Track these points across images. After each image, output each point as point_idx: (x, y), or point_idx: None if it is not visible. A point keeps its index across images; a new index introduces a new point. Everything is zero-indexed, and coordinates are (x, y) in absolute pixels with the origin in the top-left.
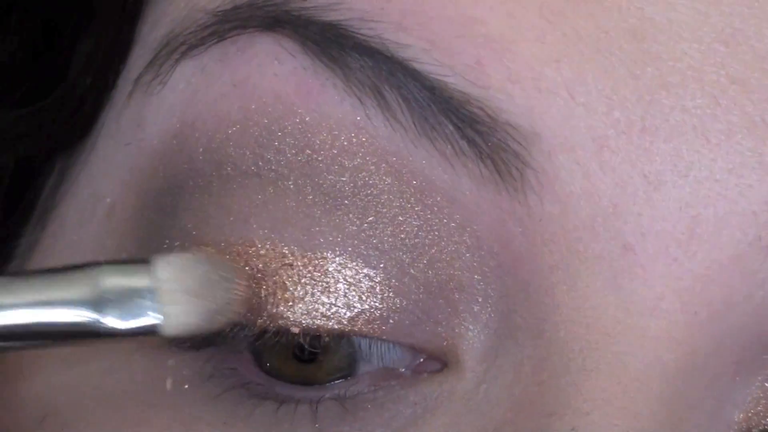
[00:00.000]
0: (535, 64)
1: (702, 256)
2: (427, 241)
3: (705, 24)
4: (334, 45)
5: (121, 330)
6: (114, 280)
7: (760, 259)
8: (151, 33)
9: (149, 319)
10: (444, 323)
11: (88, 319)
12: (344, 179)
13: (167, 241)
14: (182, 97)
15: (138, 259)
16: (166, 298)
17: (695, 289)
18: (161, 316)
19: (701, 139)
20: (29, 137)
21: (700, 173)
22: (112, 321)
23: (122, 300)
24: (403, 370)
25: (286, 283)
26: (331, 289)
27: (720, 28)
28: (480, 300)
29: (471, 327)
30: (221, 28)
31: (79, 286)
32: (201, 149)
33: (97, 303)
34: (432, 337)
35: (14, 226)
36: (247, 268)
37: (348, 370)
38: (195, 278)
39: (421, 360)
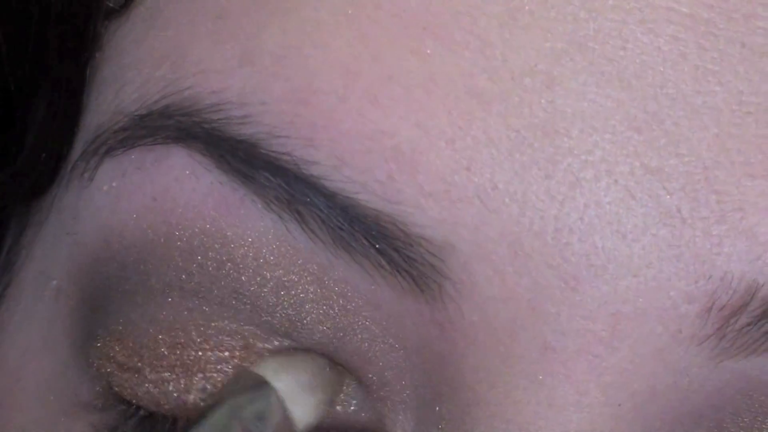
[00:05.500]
0: (446, 174)
1: (624, 351)
2: (352, 344)
3: (617, 111)
4: (245, 163)
5: None
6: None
7: (682, 350)
8: (87, 124)
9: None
10: (374, 411)
11: None
12: (266, 290)
13: (97, 339)
14: (106, 201)
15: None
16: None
17: (618, 382)
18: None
19: (617, 236)
20: None
21: (617, 270)
22: None
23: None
24: None
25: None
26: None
27: (633, 114)
28: (408, 392)
29: (401, 416)
30: (135, 134)
31: None
32: (130, 258)
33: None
34: (362, 427)
35: None
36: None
37: None
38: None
39: None
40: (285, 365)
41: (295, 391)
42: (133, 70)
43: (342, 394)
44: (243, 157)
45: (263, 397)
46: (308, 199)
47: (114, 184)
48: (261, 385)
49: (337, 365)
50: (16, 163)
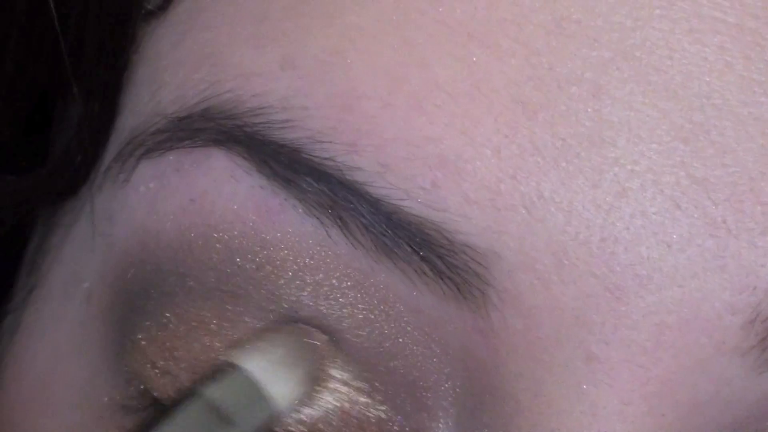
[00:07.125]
0: (491, 182)
1: (668, 362)
2: (393, 348)
3: (663, 121)
4: (288, 167)
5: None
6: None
7: (725, 361)
8: (121, 125)
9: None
10: (414, 418)
11: None
12: (305, 294)
13: (132, 341)
14: (143, 202)
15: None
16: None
17: (662, 393)
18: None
19: (662, 246)
20: (27, 199)
21: (662, 281)
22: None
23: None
24: None
25: None
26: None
27: (679, 124)
28: (450, 399)
29: (441, 423)
30: (175, 136)
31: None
32: (166, 260)
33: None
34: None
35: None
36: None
37: None
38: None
39: None
40: (255, 345)
41: (269, 368)
42: (170, 72)
43: (379, 403)
44: (286, 162)
45: (232, 381)
46: (351, 205)
47: (151, 185)
48: (229, 369)
49: (319, 336)
50: (47, 164)
